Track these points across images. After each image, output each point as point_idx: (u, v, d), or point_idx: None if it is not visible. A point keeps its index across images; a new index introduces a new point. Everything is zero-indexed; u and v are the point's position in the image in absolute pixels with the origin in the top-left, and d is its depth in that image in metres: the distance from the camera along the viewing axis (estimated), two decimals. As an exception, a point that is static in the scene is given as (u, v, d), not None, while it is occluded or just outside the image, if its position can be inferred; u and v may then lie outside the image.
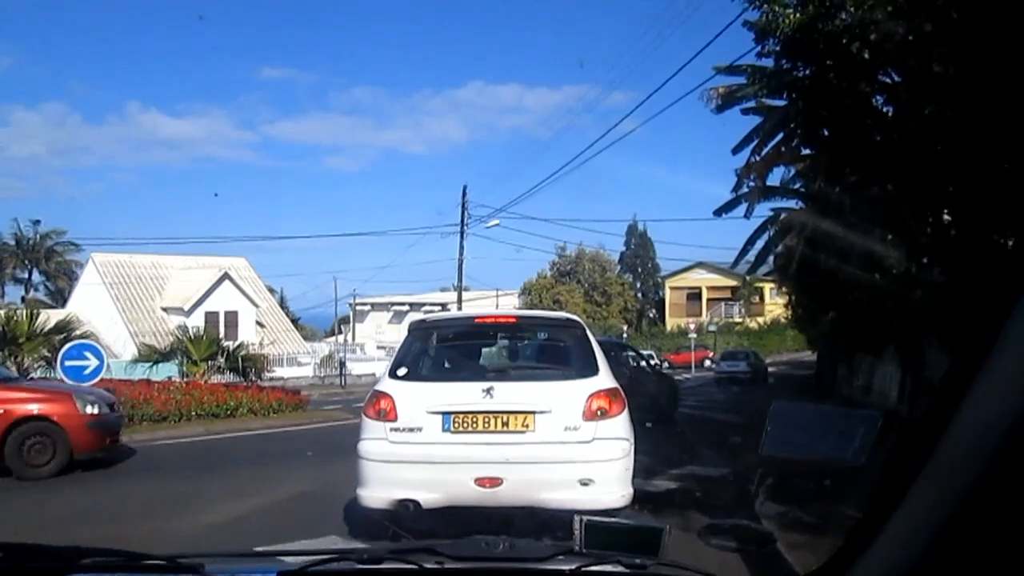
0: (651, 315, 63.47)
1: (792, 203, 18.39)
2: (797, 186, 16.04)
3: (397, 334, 48.80)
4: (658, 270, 65.95)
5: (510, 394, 6.08)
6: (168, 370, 17.87)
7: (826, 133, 12.23)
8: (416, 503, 5.84)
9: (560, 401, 6.07)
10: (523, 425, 6.00)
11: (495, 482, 5.85)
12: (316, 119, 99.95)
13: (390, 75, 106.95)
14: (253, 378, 19.64)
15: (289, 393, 17.48)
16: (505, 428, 6.00)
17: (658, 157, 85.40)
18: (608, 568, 1.67)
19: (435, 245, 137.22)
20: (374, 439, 6.09)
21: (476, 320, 7.68)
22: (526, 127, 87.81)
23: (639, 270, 66.67)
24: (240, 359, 18.42)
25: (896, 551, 1.19)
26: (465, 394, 6.09)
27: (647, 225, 64.84)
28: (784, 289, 30.11)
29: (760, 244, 19.72)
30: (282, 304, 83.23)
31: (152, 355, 18.63)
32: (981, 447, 1.04)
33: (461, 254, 38.50)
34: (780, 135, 15.23)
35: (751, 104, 17.12)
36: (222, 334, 36.22)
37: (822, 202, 14.03)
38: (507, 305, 60.46)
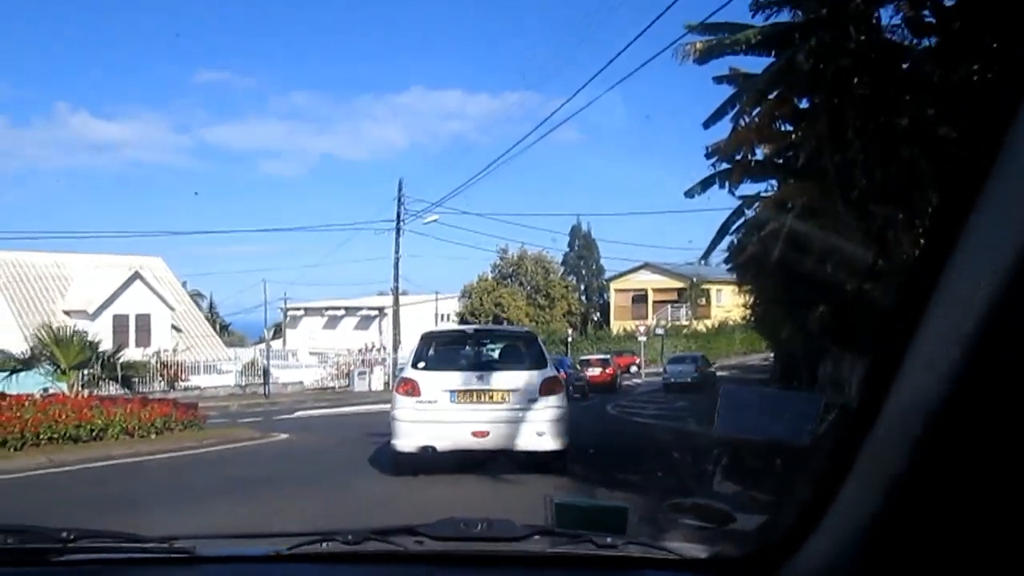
0: (595, 318, 61.56)
1: (762, 188, 16.44)
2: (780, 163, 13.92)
3: (332, 340, 45.97)
4: (602, 272, 64.13)
5: (493, 379, 9.53)
6: (38, 382, 14.61)
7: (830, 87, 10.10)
8: (433, 448, 9.26)
9: (524, 383, 9.47)
10: (502, 398, 9.38)
11: (484, 434, 9.22)
12: (254, 123, 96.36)
13: (330, 79, 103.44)
14: (140, 390, 16.62)
15: (181, 407, 14.28)
16: (491, 400, 9.38)
17: (602, 154, 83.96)
18: (580, 548, 1.73)
19: (371, 244, 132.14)
20: (405, 408, 9.44)
21: (468, 331, 12.12)
22: (468, 133, 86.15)
23: (583, 272, 64.66)
24: (119, 366, 15.33)
25: (846, 527, 1.23)
26: (464, 379, 9.56)
27: (591, 226, 62.91)
28: (744, 287, 28.30)
29: (727, 238, 17.62)
30: (211, 309, 79.47)
31: (7, 363, 15.50)
32: (912, 423, 1.06)
33: (397, 252, 35.91)
34: (757, 109, 13.14)
35: (724, 73, 15.04)
36: (133, 339, 32.97)
37: (818, 177, 11.91)
38: (447, 309, 58.39)
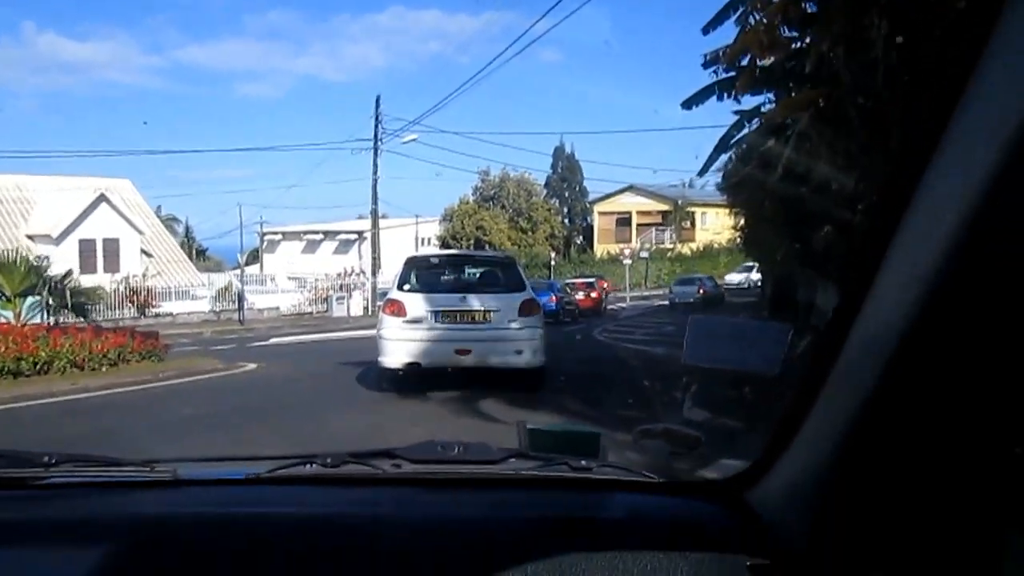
0: (579, 242, 60.64)
1: (763, 101, 15.29)
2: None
3: (312, 265, 44.89)
4: (586, 195, 63.07)
5: (475, 300, 10.13)
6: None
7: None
8: (418, 364, 9.85)
9: (504, 304, 10.05)
10: (483, 318, 10.00)
11: (466, 352, 9.82)
12: (229, 44, 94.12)
13: None
14: (108, 316, 15.46)
15: (139, 337, 13.05)
16: (472, 320, 9.99)
17: (585, 75, 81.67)
18: (555, 470, 1.75)
19: (349, 165, 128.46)
20: (391, 327, 9.99)
21: (451, 255, 13.22)
22: (447, 54, 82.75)
23: (566, 195, 63.53)
24: (69, 292, 14.16)
25: (812, 451, 1.26)
26: (448, 299, 10.13)
27: (575, 147, 61.49)
28: (736, 208, 27.49)
29: (724, 155, 16.51)
30: (187, 234, 78.00)
31: (-49, 291, 14.13)
32: (876, 352, 1.06)
33: (375, 173, 34.59)
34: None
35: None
36: (100, 264, 31.76)
37: (830, 84, 10.82)
38: (427, 232, 57.37)
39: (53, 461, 1.73)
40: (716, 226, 57.79)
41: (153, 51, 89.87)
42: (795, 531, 1.33)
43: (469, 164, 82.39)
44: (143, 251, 33.50)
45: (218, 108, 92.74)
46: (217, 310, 31.97)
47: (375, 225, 35.77)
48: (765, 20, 10.27)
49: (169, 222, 78.93)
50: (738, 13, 12.70)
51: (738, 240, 30.43)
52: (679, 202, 56.93)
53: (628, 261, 39.32)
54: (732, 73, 13.10)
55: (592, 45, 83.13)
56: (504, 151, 73.47)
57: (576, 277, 36.70)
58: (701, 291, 33.84)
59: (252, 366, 14.42)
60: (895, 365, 1.04)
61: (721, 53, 13.18)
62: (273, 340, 23.52)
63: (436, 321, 9.87)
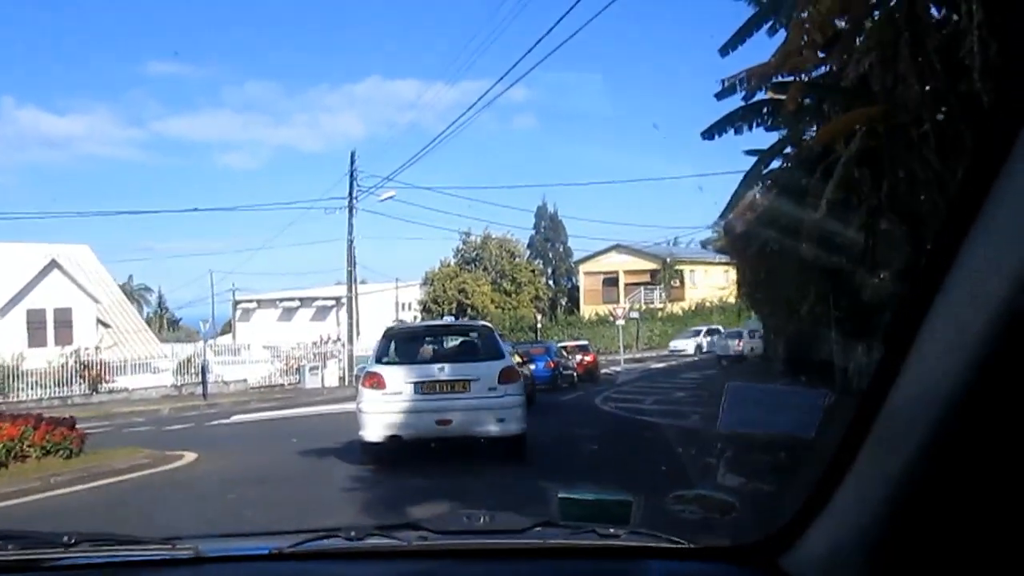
0: (564, 303, 58.65)
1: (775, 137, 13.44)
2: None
3: (288, 333, 42.52)
4: (570, 255, 61.42)
5: (454, 370, 10.15)
6: None
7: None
8: (399, 437, 9.90)
9: (483, 373, 10.07)
10: (463, 388, 9.98)
11: (447, 422, 9.79)
12: (208, 116, 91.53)
13: (285, 70, 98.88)
14: (57, 394, 12.87)
15: (46, 425, 10.13)
16: (452, 390, 9.97)
17: (565, 134, 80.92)
18: (585, 540, 1.73)
19: (324, 226, 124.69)
20: (371, 401, 9.99)
21: (429, 326, 15.44)
22: (425, 122, 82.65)
23: (550, 255, 61.80)
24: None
25: (851, 516, 1.23)
26: (427, 370, 10.15)
27: (558, 206, 59.97)
28: (739, 263, 25.82)
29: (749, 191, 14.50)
30: (160, 304, 75.73)
31: None
32: (919, 415, 1.05)
33: (351, 233, 32.39)
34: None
35: None
36: (51, 337, 29.21)
37: (892, 97, 8.83)
38: (408, 297, 55.48)
39: (72, 541, 1.72)
40: (706, 284, 56.22)
41: (134, 124, 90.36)
42: None
43: (449, 223, 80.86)
44: (100, 321, 30.98)
45: (196, 177, 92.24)
46: (179, 384, 29.35)
47: (351, 289, 33.50)
48: (817, 15, 8.26)
49: (141, 292, 77.13)
50: (767, 25, 10.81)
51: (735, 297, 28.53)
52: (667, 260, 55.16)
53: (621, 322, 37.11)
54: (762, 96, 11.19)
55: (570, 105, 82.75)
56: (486, 210, 72.43)
57: (568, 340, 34.36)
58: (740, 344, 33.05)
59: (190, 457, 11.65)
60: (939, 431, 1.02)
61: (747, 74, 11.28)
62: (235, 417, 20.98)
63: (416, 393, 9.89)
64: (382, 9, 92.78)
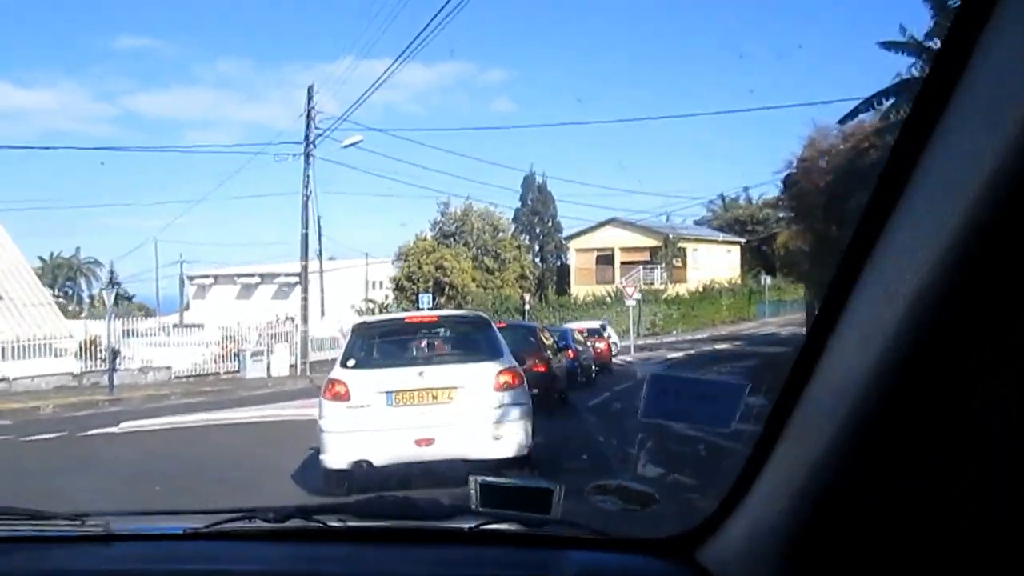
0: (554, 282, 53.00)
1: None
2: None
3: (247, 312, 37.13)
4: (560, 229, 55.67)
5: (436, 375, 8.28)
6: None
7: None
8: (369, 462, 7.98)
9: (475, 378, 8.25)
10: (448, 397, 8.12)
11: (429, 442, 7.91)
12: (180, 92, 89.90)
13: (257, 47, 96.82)
14: None
15: None
16: (435, 400, 8.12)
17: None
18: (505, 526, 1.76)
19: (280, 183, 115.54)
20: (334, 416, 8.15)
21: (407, 320, 10.55)
22: (398, 103, 79.41)
23: (537, 230, 56.04)
24: None
25: (766, 507, 1.25)
26: (403, 376, 8.27)
27: (547, 176, 54.28)
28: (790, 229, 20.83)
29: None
30: (111, 280, 69.56)
31: None
32: (832, 409, 1.06)
33: (307, 187, 26.11)
34: None
35: None
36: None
37: None
38: (380, 274, 50.25)
39: None
40: (709, 265, 50.88)
41: (103, 99, 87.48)
42: None
43: (427, 180, 75.76)
44: (-11, 292, 24.64)
45: (168, 156, 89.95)
46: (77, 372, 23.00)
47: (304, 255, 27.24)
48: None
49: (90, 265, 70.77)
50: None
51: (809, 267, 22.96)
52: (670, 236, 49.49)
53: (632, 301, 31.35)
54: None
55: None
56: (466, 182, 67.06)
57: (577, 323, 28.30)
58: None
59: None
60: (849, 425, 1.03)
61: None
62: (124, 425, 14.88)
63: (389, 404, 8.16)
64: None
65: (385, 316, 19.48)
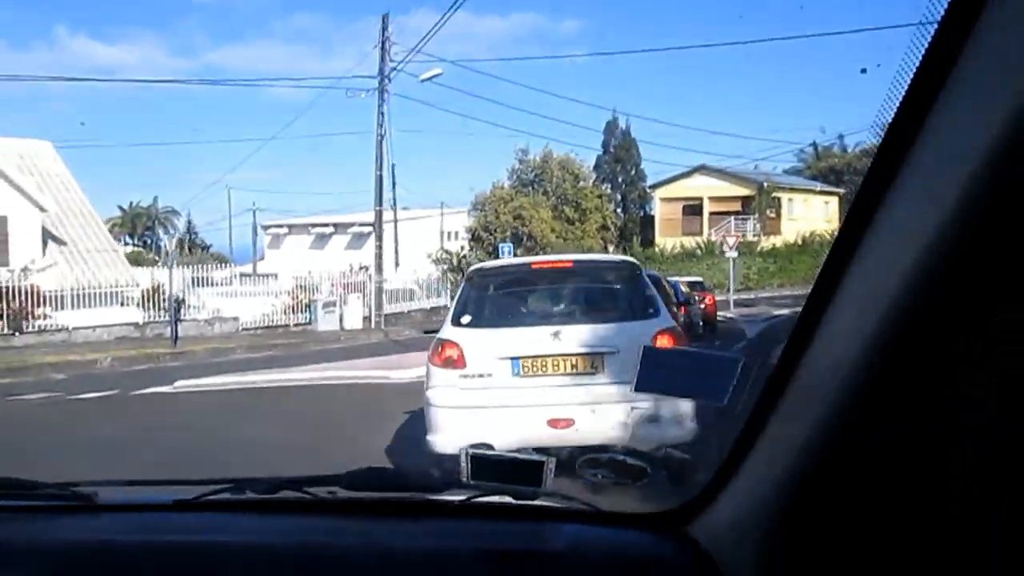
0: (638, 233, 50.35)
1: None
2: None
3: (321, 262, 36.08)
4: (644, 178, 52.79)
5: (578, 337, 6.48)
6: None
7: None
8: (490, 447, 4.01)
9: (627, 342, 6.27)
10: (592, 367, 6.43)
11: (568, 423, 6.27)
12: (257, 47, 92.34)
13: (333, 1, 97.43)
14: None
15: None
16: (575, 370, 6.43)
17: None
18: (496, 499, 1.72)
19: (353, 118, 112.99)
20: (443, 387, 6.53)
21: (533, 266, 8.27)
22: (475, 54, 77.84)
23: (620, 179, 53.28)
24: None
25: (758, 483, 1.24)
26: (533, 338, 6.50)
27: (631, 122, 51.29)
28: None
29: None
30: (188, 229, 69.64)
31: None
32: (825, 388, 1.07)
33: (381, 125, 24.03)
34: None
35: None
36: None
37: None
38: (455, 224, 48.52)
39: None
40: (806, 216, 47.43)
41: (182, 54, 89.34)
42: (740, 564, 1.30)
43: (509, 119, 74.08)
44: (51, 236, 23.42)
45: (246, 110, 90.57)
46: (141, 323, 21.63)
47: (379, 201, 25.32)
48: None
49: (168, 215, 70.91)
50: None
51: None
52: (764, 185, 46.14)
53: (734, 253, 28.67)
54: None
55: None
56: (547, 122, 64.43)
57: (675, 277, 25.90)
58: None
59: None
60: (841, 404, 1.04)
61: None
62: (179, 384, 13.18)
63: (516, 374, 6.45)
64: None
65: (505, 261, 17.11)
